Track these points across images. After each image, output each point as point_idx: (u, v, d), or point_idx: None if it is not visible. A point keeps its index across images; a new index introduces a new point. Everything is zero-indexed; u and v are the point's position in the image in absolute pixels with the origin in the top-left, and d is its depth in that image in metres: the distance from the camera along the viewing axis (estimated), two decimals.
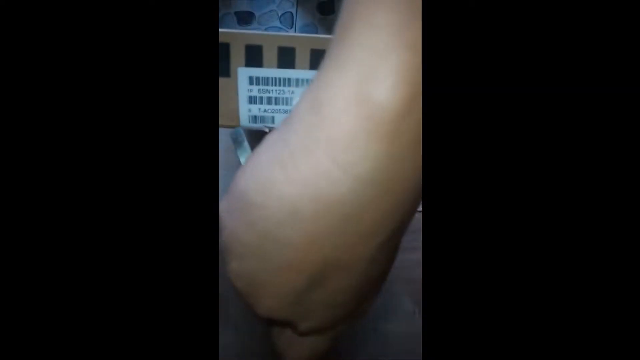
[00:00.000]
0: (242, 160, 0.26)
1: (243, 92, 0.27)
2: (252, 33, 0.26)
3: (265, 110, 0.27)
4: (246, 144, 0.26)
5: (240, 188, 0.18)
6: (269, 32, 0.26)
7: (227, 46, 0.26)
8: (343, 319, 0.21)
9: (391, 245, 0.19)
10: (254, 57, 0.26)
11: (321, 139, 0.16)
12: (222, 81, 0.27)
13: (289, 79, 0.27)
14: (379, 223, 0.17)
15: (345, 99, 0.16)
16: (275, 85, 0.27)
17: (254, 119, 0.28)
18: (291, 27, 0.34)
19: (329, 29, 0.34)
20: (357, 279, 0.19)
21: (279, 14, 0.33)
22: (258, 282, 0.19)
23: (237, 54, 0.26)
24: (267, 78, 0.27)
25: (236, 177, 0.19)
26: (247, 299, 0.20)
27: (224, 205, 0.19)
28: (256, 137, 0.27)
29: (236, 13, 0.33)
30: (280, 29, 0.34)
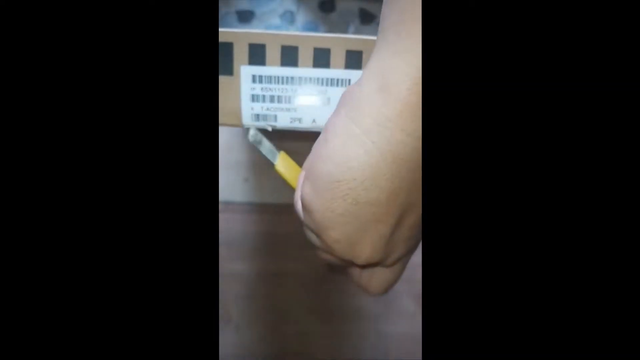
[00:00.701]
0: (268, 156, 0.28)
1: (246, 90, 0.27)
2: (255, 32, 0.26)
3: (267, 109, 0.27)
4: (265, 140, 0.28)
5: (322, 172, 0.21)
6: (272, 31, 0.26)
7: (230, 45, 0.26)
8: (414, 247, 0.26)
9: None
10: (257, 55, 0.26)
11: (391, 115, 0.20)
12: (225, 79, 0.27)
13: (292, 78, 0.27)
14: None
15: (411, 79, 0.19)
16: (278, 83, 0.27)
17: (257, 117, 0.28)
18: (292, 25, 0.34)
19: (330, 26, 0.33)
20: (420, 213, 0.23)
21: (280, 12, 0.33)
22: (355, 241, 0.23)
23: (240, 53, 0.26)
24: (270, 76, 0.27)
25: (311, 165, 0.22)
26: (346, 256, 0.24)
27: (307, 191, 0.23)
28: (267, 133, 0.29)
29: (237, 12, 0.33)
30: (280, 27, 0.34)
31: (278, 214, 0.67)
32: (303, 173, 0.24)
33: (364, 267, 0.25)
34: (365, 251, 0.23)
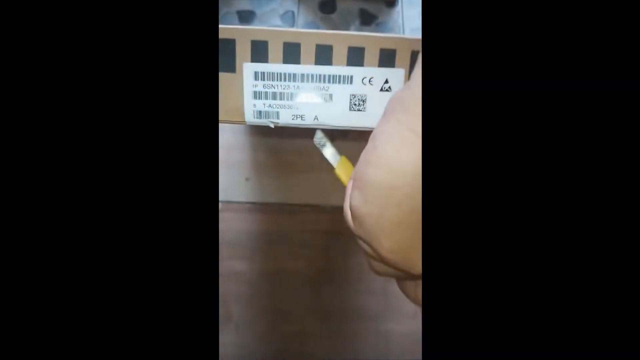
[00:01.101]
0: (329, 159, 0.28)
1: (248, 87, 0.27)
2: (257, 28, 0.26)
3: (270, 106, 0.27)
4: (329, 144, 0.28)
5: (374, 179, 0.21)
6: (274, 28, 0.26)
7: (232, 42, 0.26)
8: None
9: None
10: (259, 52, 0.26)
11: None
12: (228, 76, 0.27)
13: (294, 74, 0.27)
14: None
15: None
16: (280, 80, 0.27)
17: (259, 114, 0.28)
18: (292, 26, 0.34)
19: (331, 27, 0.33)
20: None
21: (281, 13, 0.33)
22: (412, 250, 0.22)
23: (242, 50, 0.26)
24: (272, 73, 0.27)
25: (361, 174, 0.22)
26: (404, 267, 0.23)
27: (357, 199, 0.22)
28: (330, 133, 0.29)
29: (237, 12, 0.33)
30: (281, 27, 0.34)
31: (279, 214, 0.67)
32: (351, 182, 0.23)
33: (419, 278, 0.24)
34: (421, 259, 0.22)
